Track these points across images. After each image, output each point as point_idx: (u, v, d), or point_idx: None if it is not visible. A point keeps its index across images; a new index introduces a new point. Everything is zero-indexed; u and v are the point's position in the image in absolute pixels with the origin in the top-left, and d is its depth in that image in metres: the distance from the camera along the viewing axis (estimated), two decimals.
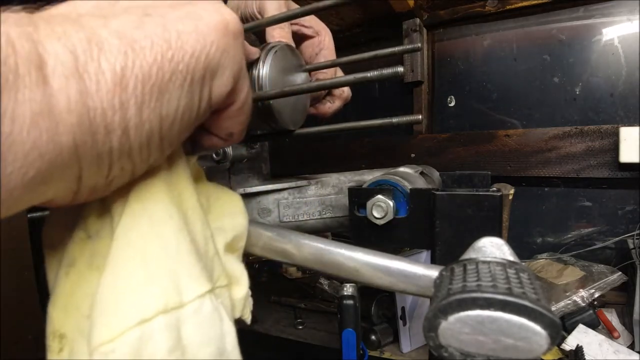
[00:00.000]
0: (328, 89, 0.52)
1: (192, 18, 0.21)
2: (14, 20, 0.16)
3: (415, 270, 0.27)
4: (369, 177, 0.52)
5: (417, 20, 1.17)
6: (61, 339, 0.22)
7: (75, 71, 0.17)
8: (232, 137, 0.28)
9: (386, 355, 0.90)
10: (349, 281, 0.72)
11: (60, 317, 0.22)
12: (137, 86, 0.18)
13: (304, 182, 0.51)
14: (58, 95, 0.16)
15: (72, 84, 0.17)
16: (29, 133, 0.15)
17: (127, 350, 0.19)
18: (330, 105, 0.53)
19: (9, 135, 0.15)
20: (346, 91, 0.54)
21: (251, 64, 0.37)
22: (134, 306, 0.20)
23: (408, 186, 0.42)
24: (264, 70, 0.37)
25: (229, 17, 0.23)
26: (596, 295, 0.85)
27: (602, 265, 0.93)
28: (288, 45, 0.42)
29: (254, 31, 0.44)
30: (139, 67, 0.18)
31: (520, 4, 1.07)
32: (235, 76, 0.24)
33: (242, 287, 0.27)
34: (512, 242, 0.27)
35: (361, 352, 0.83)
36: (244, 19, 0.48)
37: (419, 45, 0.41)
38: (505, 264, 0.23)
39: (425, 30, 1.21)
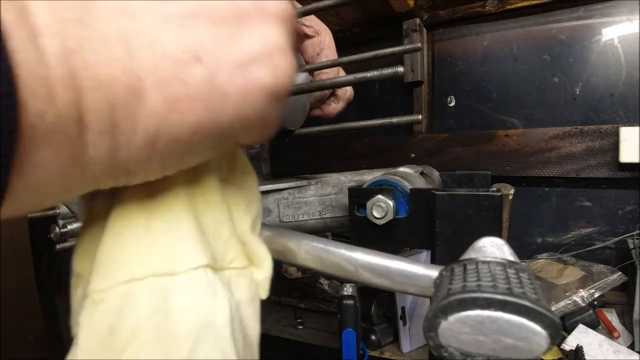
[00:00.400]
0: (328, 89, 0.52)
1: (244, 73, 0.19)
2: (59, 61, 0.15)
3: (415, 270, 0.26)
4: (369, 177, 0.52)
5: (417, 20, 1.17)
6: (78, 277, 0.24)
7: (110, 127, 0.16)
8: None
9: (386, 355, 0.90)
10: (349, 281, 0.72)
11: (79, 259, 0.24)
12: (166, 146, 0.18)
13: (304, 182, 0.51)
14: (90, 149, 0.16)
15: (105, 140, 0.17)
16: (59, 181, 0.16)
17: (114, 301, 0.21)
18: (335, 106, 0.53)
19: (38, 182, 0.16)
20: (349, 91, 0.54)
21: None
22: (129, 265, 0.21)
23: (408, 186, 0.42)
24: None
25: (281, 77, 0.20)
26: (596, 295, 0.85)
27: (602, 265, 0.93)
28: None
29: None
30: (174, 130, 0.18)
31: (520, 4, 1.07)
32: (267, 130, 0.23)
33: (264, 269, 0.27)
34: (512, 242, 0.26)
35: (361, 352, 0.83)
36: None
37: (419, 45, 0.41)
38: (505, 264, 0.23)
39: (425, 30, 1.21)
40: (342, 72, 0.53)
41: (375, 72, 0.35)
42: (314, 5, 0.34)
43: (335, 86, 0.49)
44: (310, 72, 0.47)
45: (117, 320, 0.20)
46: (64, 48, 0.15)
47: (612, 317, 0.87)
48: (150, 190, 0.22)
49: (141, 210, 0.22)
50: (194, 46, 0.18)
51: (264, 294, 0.27)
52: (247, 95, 0.19)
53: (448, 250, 0.36)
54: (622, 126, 0.91)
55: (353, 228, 0.44)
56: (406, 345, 0.90)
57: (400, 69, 0.35)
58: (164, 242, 0.22)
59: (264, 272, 0.27)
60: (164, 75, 0.17)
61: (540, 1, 1.05)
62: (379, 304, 0.95)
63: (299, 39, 0.50)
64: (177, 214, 0.22)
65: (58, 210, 0.54)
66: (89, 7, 0.16)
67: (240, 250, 0.26)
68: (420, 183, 0.49)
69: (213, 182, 0.25)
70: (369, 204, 0.41)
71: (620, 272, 0.88)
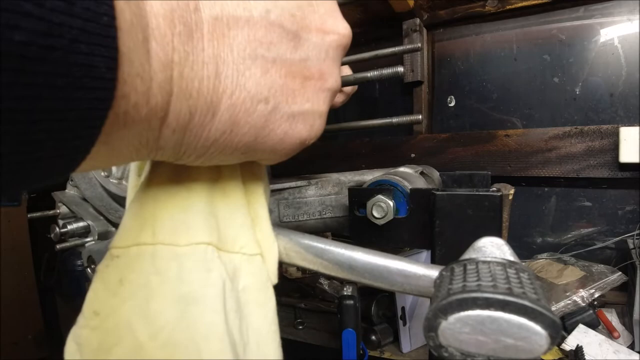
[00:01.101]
0: None
1: (291, 123, 0.23)
2: (161, 67, 0.17)
3: (415, 270, 0.26)
4: (369, 177, 0.52)
5: (417, 20, 1.17)
6: None
7: (183, 129, 0.19)
8: None
9: (386, 355, 0.90)
10: (349, 281, 0.72)
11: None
12: (215, 152, 0.22)
13: (304, 182, 0.51)
14: (162, 140, 0.20)
15: (175, 137, 0.20)
16: (129, 153, 0.20)
17: (127, 258, 0.24)
18: (339, 99, 0.55)
19: (114, 151, 0.18)
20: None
21: None
22: (144, 231, 0.25)
23: (408, 186, 0.42)
24: None
25: (314, 134, 0.25)
26: (596, 295, 0.85)
27: (602, 265, 0.93)
28: None
29: None
30: (227, 144, 0.21)
31: (520, 4, 1.07)
32: (283, 159, 0.27)
33: (272, 254, 0.29)
34: (512, 242, 0.26)
35: (361, 352, 0.83)
36: None
37: (419, 45, 0.41)
38: (505, 264, 0.23)
39: (425, 30, 1.21)
40: (346, 70, 0.53)
41: (375, 72, 0.35)
42: None
43: None
44: None
45: (125, 275, 0.24)
46: (169, 58, 0.17)
47: (612, 317, 0.87)
48: (177, 174, 0.26)
49: (165, 189, 0.25)
50: (266, 88, 0.21)
51: (275, 278, 0.28)
52: (285, 139, 0.24)
53: (448, 250, 0.36)
54: (622, 126, 0.91)
55: (353, 228, 0.44)
56: (406, 345, 0.90)
57: (400, 69, 0.35)
58: (176, 217, 0.25)
59: (272, 257, 0.29)
60: (237, 102, 0.20)
61: (540, 1, 1.05)
62: (379, 304, 0.95)
63: None
64: (193, 197, 0.26)
65: (58, 211, 0.54)
66: (198, 22, 0.18)
67: (251, 237, 0.28)
68: (420, 183, 0.49)
69: (232, 172, 0.27)
70: (369, 204, 0.41)
71: (620, 272, 0.88)
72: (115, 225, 0.53)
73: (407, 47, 0.40)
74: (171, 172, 0.26)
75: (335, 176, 0.53)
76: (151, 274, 0.24)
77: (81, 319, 0.24)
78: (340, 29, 0.25)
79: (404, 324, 0.90)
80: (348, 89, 0.54)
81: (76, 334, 0.24)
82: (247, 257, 0.27)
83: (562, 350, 0.79)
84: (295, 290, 1.22)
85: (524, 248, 1.14)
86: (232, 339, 0.24)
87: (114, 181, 0.51)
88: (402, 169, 0.53)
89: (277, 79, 0.22)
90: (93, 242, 0.53)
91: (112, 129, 0.16)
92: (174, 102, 0.18)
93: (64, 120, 0.13)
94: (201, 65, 0.18)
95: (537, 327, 0.19)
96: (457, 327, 0.20)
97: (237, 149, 0.22)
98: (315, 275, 1.22)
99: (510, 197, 0.74)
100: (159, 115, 0.18)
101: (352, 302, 0.77)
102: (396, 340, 0.93)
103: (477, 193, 0.35)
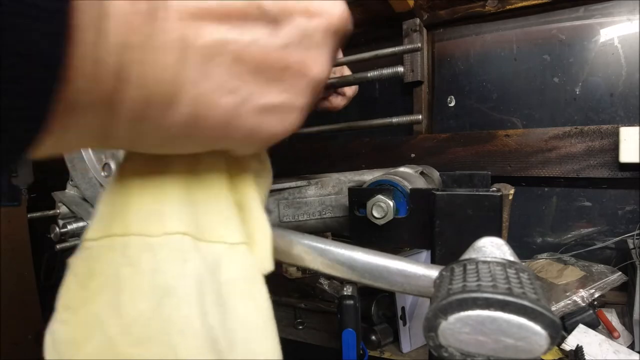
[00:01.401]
0: (330, 88, 0.52)
1: (260, 117, 0.21)
2: (116, 50, 0.15)
3: (415, 270, 0.26)
4: (369, 177, 0.52)
5: (417, 20, 1.17)
6: None
7: (139, 119, 0.18)
8: None
9: (386, 355, 0.90)
10: (349, 281, 0.72)
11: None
12: (176, 143, 0.20)
13: (304, 182, 0.51)
14: (115, 130, 0.18)
15: (131, 127, 0.18)
16: (81, 143, 0.20)
17: (98, 250, 0.23)
18: (342, 101, 0.55)
19: (64, 142, 0.17)
20: (354, 87, 0.55)
21: None
22: (116, 222, 0.24)
23: (408, 186, 0.42)
24: None
25: (288, 129, 0.23)
26: (596, 295, 0.85)
27: (602, 265, 0.93)
28: None
29: None
30: (188, 136, 0.20)
31: (520, 4, 1.07)
32: (261, 149, 0.26)
33: (265, 242, 0.27)
34: (512, 242, 0.26)
35: (361, 352, 0.83)
36: None
37: (419, 45, 0.41)
38: (505, 264, 0.23)
39: (425, 30, 1.21)
40: (346, 71, 0.53)
41: (375, 72, 0.35)
42: None
43: (336, 86, 0.49)
44: None
45: (96, 267, 0.23)
46: (125, 39, 0.15)
47: (612, 317, 0.87)
48: (151, 163, 0.24)
49: (138, 178, 0.24)
50: (235, 77, 0.19)
51: (268, 265, 0.26)
52: (254, 134, 0.22)
53: (448, 250, 0.36)
54: (622, 126, 0.91)
55: (353, 228, 0.44)
56: (406, 345, 0.90)
57: (400, 69, 0.35)
58: (149, 207, 0.24)
59: (263, 244, 0.27)
60: (201, 94, 0.18)
61: (540, 1, 1.05)
62: (379, 304, 0.95)
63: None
64: (167, 186, 0.24)
65: (58, 211, 0.54)
66: (166, 3, 0.16)
67: (235, 225, 0.26)
68: (420, 183, 0.49)
69: (213, 160, 0.26)
70: (369, 204, 0.41)
71: (620, 272, 0.88)
72: None
73: (407, 47, 0.40)
74: (145, 161, 0.24)
75: (335, 176, 0.53)
76: (122, 266, 0.22)
77: (55, 313, 0.23)
78: (330, 9, 0.22)
79: (404, 324, 0.90)
80: (349, 92, 0.55)
81: (51, 329, 0.23)
82: (229, 246, 0.25)
83: (562, 350, 0.79)
84: (295, 290, 1.21)
85: (524, 248, 1.14)
86: (212, 334, 0.22)
87: None
88: (402, 169, 0.53)
89: (250, 67, 0.19)
90: None
91: (56, 115, 0.15)
92: (128, 90, 0.16)
93: (5, 109, 0.12)
94: (162, 49, 0.16)
95: (537, 327, 0.19)
96: (457, 327, 0.20)
97: (202, 140, 0.21)
98: (315, 275, 1.22)
99: (510, 197, 0.74)
100: (109, 105, 0.16)
101: (352, 302, 0.77)
102: (396, 340, 0.93)
103: (477, 193, 0.35)
